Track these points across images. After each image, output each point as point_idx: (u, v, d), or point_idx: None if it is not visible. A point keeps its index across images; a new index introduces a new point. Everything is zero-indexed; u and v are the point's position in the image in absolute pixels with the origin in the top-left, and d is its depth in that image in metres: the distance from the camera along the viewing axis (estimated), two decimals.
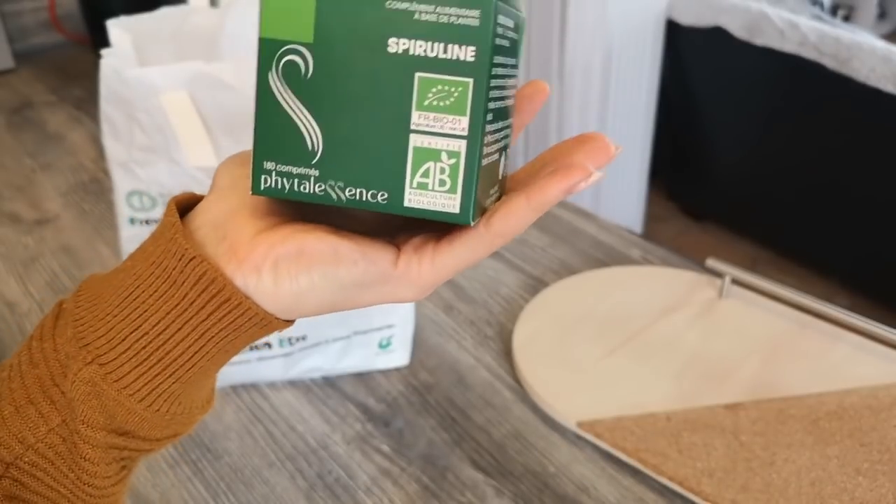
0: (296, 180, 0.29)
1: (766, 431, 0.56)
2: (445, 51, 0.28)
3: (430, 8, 0.27)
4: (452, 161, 0.28)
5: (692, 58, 1.74)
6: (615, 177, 1.78)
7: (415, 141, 0.28)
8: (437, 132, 0.28)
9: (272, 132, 0.29)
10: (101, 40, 0.58)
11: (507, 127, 0.32)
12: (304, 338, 0.62)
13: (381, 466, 0.57)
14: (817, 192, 1.67)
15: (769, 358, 0.63)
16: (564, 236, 0.82)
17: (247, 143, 0.57)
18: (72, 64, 1.35)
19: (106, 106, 0.57)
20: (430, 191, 0.29)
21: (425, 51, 0.28)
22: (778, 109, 1.67)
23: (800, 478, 0.53)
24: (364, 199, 0.29)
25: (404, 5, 0.28)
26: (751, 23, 1.57)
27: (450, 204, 0.29)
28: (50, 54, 1.40)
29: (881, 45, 1.43)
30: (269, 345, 0.61)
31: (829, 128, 1.59)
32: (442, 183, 0.29)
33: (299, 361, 0.63)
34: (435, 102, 0.28)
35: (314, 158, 0.29)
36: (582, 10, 1.55)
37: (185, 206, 0.33)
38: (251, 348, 0.61)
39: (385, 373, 0.65)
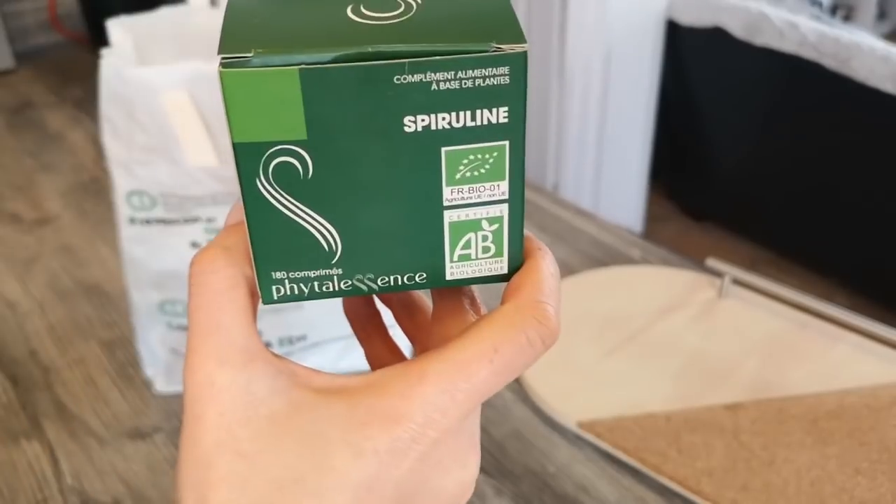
0: (315, 283, 0.25)
1: (765, 431, 0.56)
2: (474, 118, 0.23)
3: (450, 75, 0.22)
4: (495, 227, 0.25)
5: (692, 58, 1.74)
6: (615, 177, 1.78)
7: (450, 217, 0.25)
8: (475, 203, 0.25)
9: (274, 240, 0.25)
10: (101, 40, 0.58)
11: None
12: (304, 338, 0.62)
13: None
14: (817, 192, 1.67)
15: (769, 358, 0.63)
16: (564, 236, 0.82)
17: None
18: (72, 64, 1.35)
19: (106, 106, 0.57)
20: (474, 260, 0.26)
21: (449, 123, 0.23)
22: (778, 109, 1.67)
23: (799, 477, 0.53)
24: (400, 283, 0.26)
25: (418, 77, 0.22)
26: (751, 23, 1.57)
27: (497, 267, 0.26)
28: (50, 54, 1.40)
29: (881, 45, 1.43)
30: (269, 344, 0.61)
31: (828, 128, 1.59)
32: (486, 250, 0.26)
33: (299, 361, 0.63)
34: (468, 174, 0.24)
35: (334, 258, 0.25)
36: (582, 10, 1.55)
37: None
38: None
39: None
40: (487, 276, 0.26)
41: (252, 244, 0.25)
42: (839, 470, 0.53)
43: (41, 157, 1.03)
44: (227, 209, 0.32)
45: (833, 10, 2.00)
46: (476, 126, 0.23)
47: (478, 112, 0.23)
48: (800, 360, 0.63)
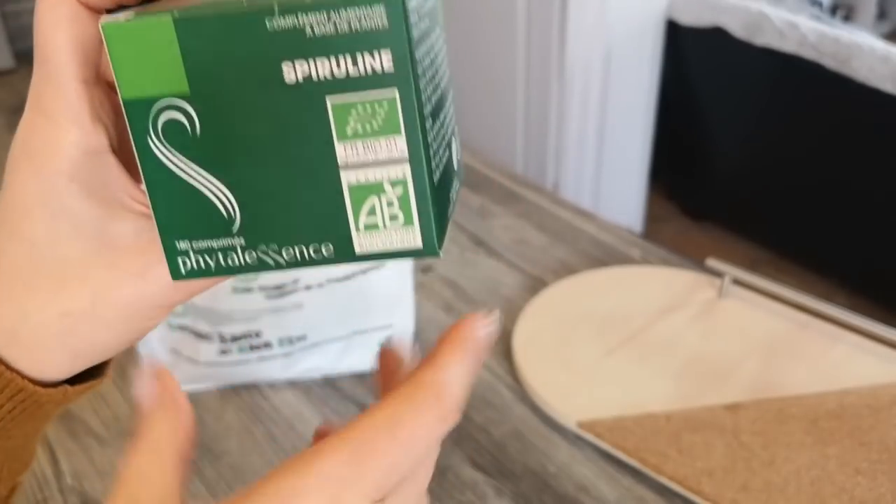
0: (219, 255, 0.25)
1: (765, 431, 0.56)
2: (355, 63, 0.22)
3: (323, 17, 0.22)
4: (399, 190, 0.24)
5: (692, 58, 1.74)
6: (615, 177, 1.78)
7: (348, 178, 0.24)
8: (372, 162, 0.23)
9: (173, 206, 0.24)
10: None
11: (450, 110, 0.27)
12: (304, 338, 0.62)
13: None
14: (817, 192, 1.67)
15: (769, 358, 0.63)
16: (564, 236, 0.82)
17: None
18: None
19: None
20: (382, 229, 0.24)
21: (331, 70, 0.22)
22: (778, 109, 1.68)
23: (799, 477, 0.53)
24: (307, 256, 0.24)
25: (290, 22, 0.22)
26: (751, 23, 1.57)
27: (409, 238, 0.24)
28: None
29: (881, 45, 1.43)
30: (269, 344, 0.61)
31: (828, 127, 1.59)
32: (394, 217, 0.24)
33: (299, 361, 0.63)
34: (359, 128, 0.23)
35: (234, 225, 0.24)
36: (582, 10, 1.55)
37: None
38: (251, 348, 0.61)
39: None
40: (402, 250, 0.24)
41: (153, 210, 0.24)
42: (839, 470, 0.53)
43: None
44: None
45: (833, 10, 2.00)
46: (360, 74, 0.22)
47: (358, 57, 0.22)
48: (800, 360, 0.63)
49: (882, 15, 2.12)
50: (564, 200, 0.90)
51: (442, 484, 0.55)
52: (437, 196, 0.24)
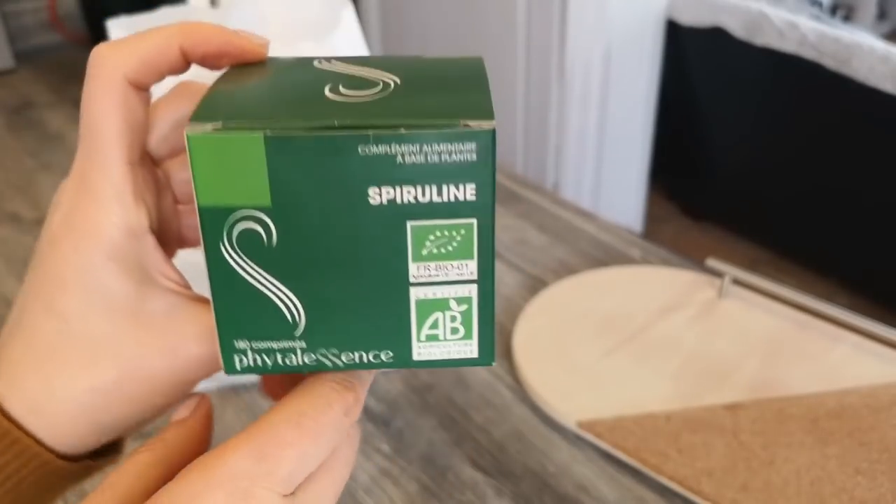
0: (278, 355, 0.25)
1: (765, 431, 0.56)
2: (440, 193, 0.23)
3: (415, 148, 0.22)
4: (464, 307, 0.25)
5: (692, 58, 1.74)
6: (615, 177, 1.78)
7: (416, 294, 0.24)
8: (442, 281, 0.24)
9: (237, 307, 0.24)
10: (101, 40, 0.58)
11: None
12: None
13: (381, 466, 0.57)
14: (817, 192, 1.67)
15: (769, 358, 0.63)
16: (564, 236, 0.82)
17: None
18: (72, 64, 1.35)
19: None
20: (442, 341, 0.25)
21: (415, 196, 0.23)
22: (778, 109, 1.68)
23: (799, 477, 0.53)
24: (366, 361, 0.25)
25: (382, 149, 0.22)
26: (751, 23, 1.57)
27: (466, 350, 0.25)
28: (50, 54, 1.40)
29: (880, 44, 1.43)
30: None
31: (828, 127, 1.59)
32: (454, 331, 0.25)
33: None
34: (435, 251, 0.24)
35: (298, 330, 0.25)
36: (582, 10, 1.55)
37: None
38: None
39: (385, 373, 0.65)
40: (457, 360, 0.25)
41: (215, 311, 0.24)
42: (839, 470, 0.53)
43: (41, 157, 1.03)
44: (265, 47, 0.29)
45: (833, 10, 2.00)
46: (443, 202, 0.23)
47: (444, 187, 0.23)
48: (800, 360, 0.63)
49: (882, 15, 2.12)
50: (564, 200, 0.90)
51: (442, 484, 0.55)
52: (493, 313, 0.25)
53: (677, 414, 0.58)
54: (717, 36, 1.63)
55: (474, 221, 0.23)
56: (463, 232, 0.24)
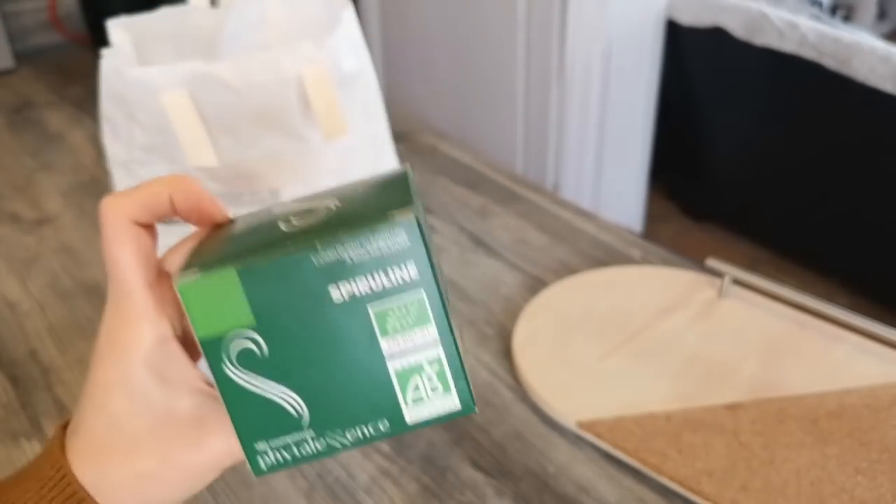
0: (294, 447, 0.30)
1: (765, 431, 0.56)
2: (388, 278, 0.28)
3: (357, 245, 0.28)
4: (436, 367, 0.29)
5: (692, 58, 1.74)
6: (615, 177, 1.78)
7: (394, 366, 0.29)
8: (411, 349, 0.29)
9: (250, 416, 0.29)
10: (101, 40, 0.58)
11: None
12: None
13: (381, 466, 0.57)
14: (817, 192, 1.67)
15: (769, 358, 0.63)
16: (564, 236, 0.82)
17: (247, 144, 0.57)
18: (72, 64, 1.35)
19: (106, 106, 0.57)
20: (427, 400, 0.29)
21: (369, 285, 0.28)
22: (778, 109, 1.67)
23: (799, 477, 0.53)
24: (367, 435, 0.30)
25: (332, 256, 0.28)
26: (751, 23, 1.57)
27: (449, 404, 0.30)
28: (50, 54, 1.40)
29: (881, 45, 1.43)
30: None
31: (828, 127, 1.59)
32: (434, 389, 0.29)
33: None
34: (398, 325, 0.29)
35: (304, 421, 0.29)
36: (581, 10, 1.55)
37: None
38: None
39: None
40: (446, 415, 0.30)
41: (233, 424, 0.29)
42: (839, 470, 0.53)
43: (41, 157, 1.03)
44: (227, 210, 0.34)
45: (833, 10, 2.00)
46: (393, 285, 0.28)
47: (390, 271, 0.28)
48: (800, 360, 0.63)
49: (882, 15, 2.12)
50: (564, 200, 0.90)
51: (442, 484, 0.55)
52: (463, 365, 0.29)
53: (677, 414, 0.58)
54: (717, 36, 1.63)
55: (423, 293, 0.28)
56: (416, 304, 0.28)
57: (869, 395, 0.59)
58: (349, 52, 0.57)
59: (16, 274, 0.80)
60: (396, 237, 0.28)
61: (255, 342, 0.29)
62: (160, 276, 0.32)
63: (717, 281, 0.71)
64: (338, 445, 0.30)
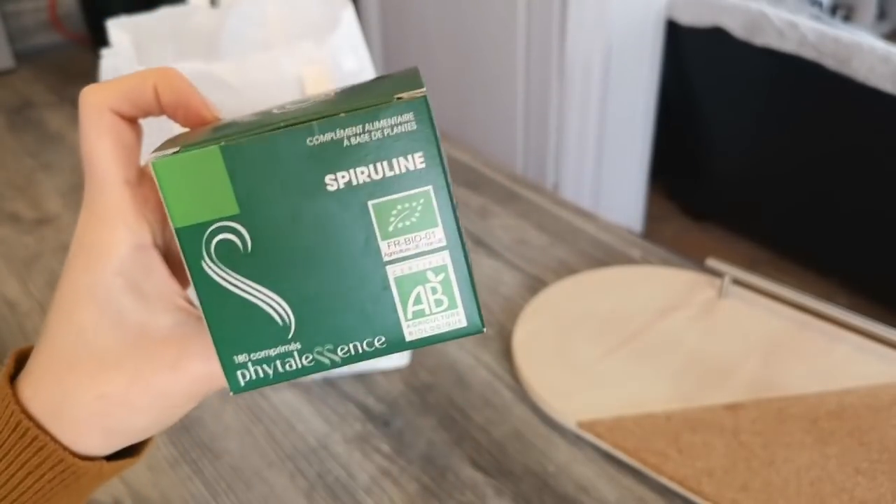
0: (277, 362, 0.26)
1: (765, 431, 0.56)
2: (391, 167, 0.24)
3: (358, 129, 0.24)
4: (441, 276, 0.25)
5: (692, 58, 1.74)
6: (615, 177, 1.78)
7: (394, 272, 0.25)
8: (414, 254, 0.25)
9: (229, 322, 0.25)
10: (101, 40, 0.58)
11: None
12: None
13: (381, 466, 0.57)
14: (817, 192, 1.67)
15: (769, 358, 0.63)
16: (564, 236, 0.82)
17: None
18: (72, 64, 1.35)
19: None
20: (429, 315, 0.26)
21: (369, 175, 0.24)
22: (778, 109, 1.67)
23: (799, 477, 0.53)
24: (361, 351, 0.26)
25: (328, 136, 0.24)
26: (751, 23, 1.57)
27: (455, 321, 0.26)
28: (50, 54, 1.40)
29: (881, 45, 1.43)
30: None
31: (828, 127, 1.59)
32: (439, 303, 0.26)
33: None
34: (400, 225, 0.25)
35: (290, 332, 0.26)
36: (582, 10, 1.55)
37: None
38: None
39: (385, 373, 0.65)
40: (448, 332, 0.26)
41: (210, 331, 0.26)
42: (839, 470, 0.53)
43: (41, 157, 1.03)
44: (218, 111, 0.32)
45: (833, 10, 2.00)
46: (396, 175, 0.24)
47: (394, 161, 0.24)
48: (800, 360, 0.63)
49: (882, 15, 2.12)
50: (564, 200, 0.90)
51: (442, 484, 0.55)
52: (472, 278, 0.26)
53: (677, 414, 0.58)
54: (717, 36, 1.63)
55: (430, 188, 0.25)
56: (422, 201, 0.25)
57: (869, 395, 0.59)
58: (349, 52, 0.57)
59: (16, 274, 0.80)
60: (403, 120, 0.24)
61: (238, 235, 0.25)
62: (143, 177, 0.29)
63: (717, 281, 0.71)
64: (326, 362, 0.26)
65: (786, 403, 0.59)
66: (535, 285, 0.74)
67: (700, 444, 0.55)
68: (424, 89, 0.24)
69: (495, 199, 0.90)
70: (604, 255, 0.79)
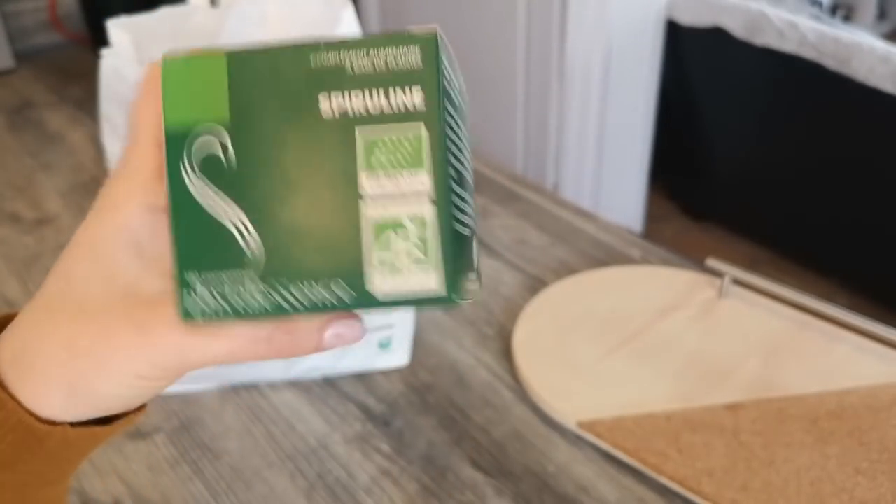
0: (231, 292, 0.24)
1: (765, 431, 0.56)
2: (388, 98, 0.23)
3: (362, 54, 0.23)
4: (420, 230, 0.23)
5: (692, 58, 1.74)
6: (615, 177, 1.78)
7: (368, 212, 0.23)
8: (394, 195, 0.23)
9: (195, 238, 0.25)
10: (101, 40, 0.58)
11: (471, 206, 0.28)
12: None
13: (381, 466, 0.57)
14: (817, 192, 1.67)
15: (769, 358, 0.63)
16: (564, 236, 0.82)
17: None
18: (72, 64, 1.35)
19: (106, 106, 0.57)
20: (401, 270, 0.23)
21: (364, 104, 0.23)
22: (778, 109, 1.67)
23: (799, 477, 0.53)
24: (320, 298, 0.24)
25: (332, 57, 0.24)
26: (751, 23, 1.57)
27: (427, 281, 0.23)
28: (50, 54, 1.40)
29: (880, 45, 1.43)
30: None
31: (828, 127, 1.59)
32: (413, 259, 0.23)
33: (299, 361, 0.63)
34: (384, 160, 0.23)
35: (249, 257, 0.24)
36: (582, 11, 1.55)
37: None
38: None
39: (385, 372, 0.65)
40: (418, 295, 0.24)
41: (173, 243, 0.25)
42: (839, 470, 0.53)
43: (41, 157, 1.03)
44: None
45: (833, 10, 2.00)
46: (392, 111, 0.23)
47: (391, 91, 0.23)
48: (800, 360, 0.63)
49: (882, 15, 2.12)
50: (564, 200, 0.90)
51: (442, 484, 0.55)
52: (456, 242, 0.24)
53: (677, 414, 0.58)
54: (717, 36, 1.63)
55: (421, 125, 0.23)
56: (412, 139, 0.23)
57: (869, 395, 0.59)
58: None
59: (16, 274, 0.80)
60: (408, 55, 0.23)
61: (223, 146, 0.24)
62: None
63: (717, 281, 0.71)
64: (283, 304, 0.24)
65: (786, 403, 0.59)
66: (535, 285, 0.74)
67: (700, 444, 0.55)
68: (437, 28, 0.24)
69: (495, 199, 0.90)
70: (604, 255, 0.79)
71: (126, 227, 0.27)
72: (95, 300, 0.27)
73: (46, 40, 1.43)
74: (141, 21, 0.61)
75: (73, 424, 0.28)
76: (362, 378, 0.64)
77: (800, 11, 1.59)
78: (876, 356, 0.63)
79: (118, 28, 0.59)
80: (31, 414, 0.27)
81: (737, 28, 1.60)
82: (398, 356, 0.65)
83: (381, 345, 0.64)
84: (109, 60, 0.55)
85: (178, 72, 0.25)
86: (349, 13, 0.60)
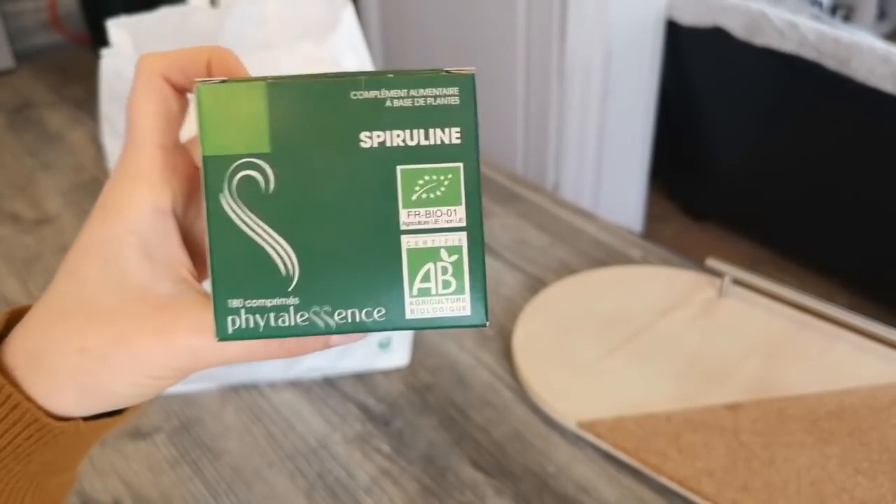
0: (271, 314, 0.25)
1: (766, 431, 0.56)
2: (427, 136, 0.25)
3: (403, 92, 0.24)
4: (454, 258, 0.25)
5: (692, 58, 1.74)
6: (615, 177, 1.78)
7: (408, 243, 0.25)
8: (432, 228, 0.25)
9: (234, 263, 0.25)
10: (101, 40, 0.58)
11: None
12: None
13: (381, 466, 0.57)
14: (817, 192, 1.67)
15: (769, 358, 0.63)
16: (564, 236, 0.82)
17: None
18: (72, 64, 1.35)
19: (106, 105, 0.57)
20: (434, 296, 0.25)
21: (404, 140, 0.25)
22: (778, 109, 1.67)
23: (800, 477, 0.53)
24: (358, 320, 0.25)
25: (373, 94, 0.24)
26: (751, 23, 1.57)
27: (459, 307, 0.25)
28: (50, 54, 1.40)
29: (880, 45, 1.43)
30: None
31: (828, 128, 1.59)
32: (446, 284, 0.25)
33: (299, 361, 0.63)
34: (424, 196, 0.25)
35: (291, 285, 0.25)
36: (582, 11, 1.55)
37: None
38: None
39: (385, 372, 0.65)
40: (450, 319, 0.25)
41: (212, 268, 0.25)
42: (839, 470, 0.53)
43: (41, 157, 1.03)
44: None
45: (833, 10, 2.00)
46: (430, 145, 0.25)
47: (430, 131, 0.25)
48: (800, 360, 0.63)
49: (882, 15, 2.12)
50: (564, 200, 0.90)
51: (442, 484, 0.55)
52: (485, 270, 0.25)
53: (677, 414, 0.58)
54: (717, 36, 1.63)
55: (461, 165, 0.25)
56: (450, 176, 0.25)
57: (869, 395, 0.59)
58: (349, 51, 0.57)
59: (16, 274, 0.80)
60: (448, 93, 0.24)
61: (262, 174, 0.25)
62: (178, 148, 0.29)
63: (717, 281, 0.71)
64: (321, 325, 0.25)
65: (786, 403, 0.59)
66: (535, 285, 0.74)
67: (700, 444, 0.55)
68: (473, 69, 0.25)
69: (495, 199, 0.90)
70: (604, 255, 0.79)
71: (134, 230, 0.27)
72: (108, 303, 0.27)
73: (46, 40, 1.43)
74: (141, 21, 0.61)
75: (84, 418, 0.29)
76: (362, 378, 0.64)
77: (800, 11, 1.59)
78: (876, 356, 0.63)
79: (118, 28, 0.59)
80: (46, 411, 0.27)
81: (737, 28, 1.60)
82: (398, 356, 0.65)
83: (381, 345, 0.64)
84: (109, 60, 0.55)
85: (215, 99, 0.25)
86: (349, 13, 0.60)
